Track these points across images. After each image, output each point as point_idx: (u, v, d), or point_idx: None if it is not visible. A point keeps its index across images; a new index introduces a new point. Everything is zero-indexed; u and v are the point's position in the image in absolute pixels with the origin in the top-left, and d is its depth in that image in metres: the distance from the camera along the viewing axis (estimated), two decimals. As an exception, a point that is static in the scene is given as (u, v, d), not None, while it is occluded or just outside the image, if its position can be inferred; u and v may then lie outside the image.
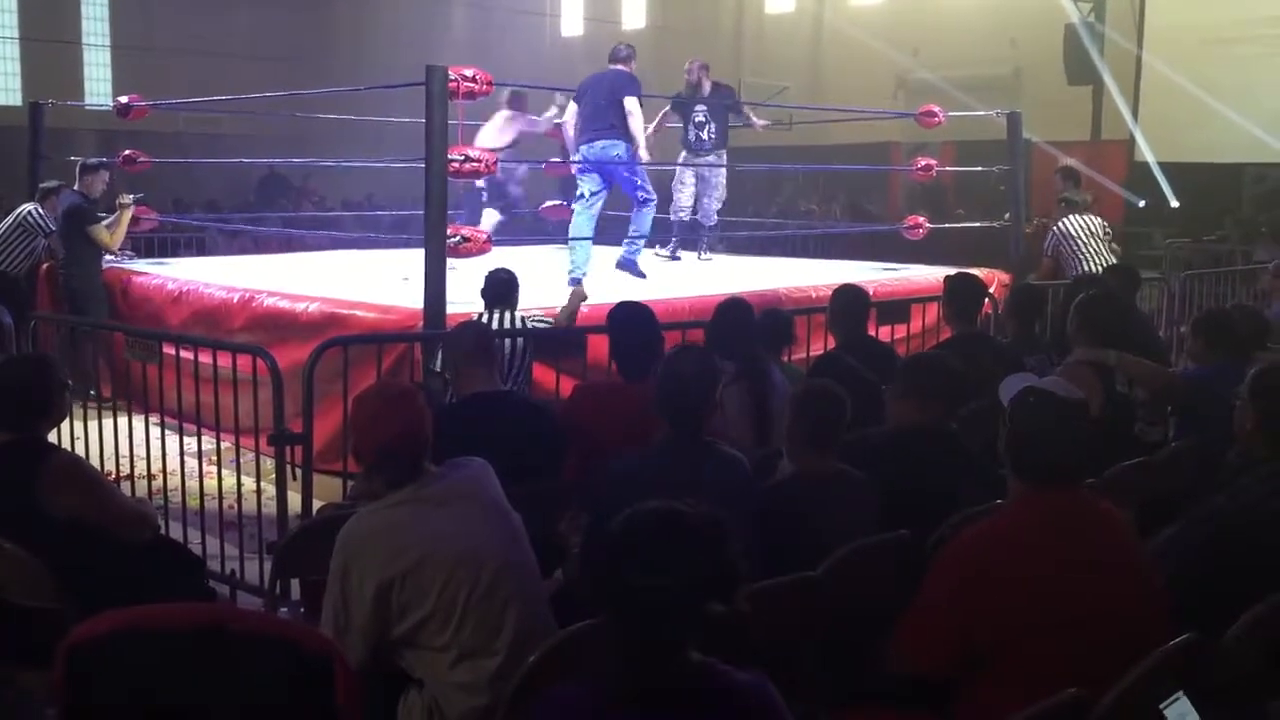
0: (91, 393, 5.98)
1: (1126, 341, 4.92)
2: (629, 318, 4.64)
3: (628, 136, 7.99)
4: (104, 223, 8.54)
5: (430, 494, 2.90)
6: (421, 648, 2.86)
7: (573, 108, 8.58)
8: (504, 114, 9.59)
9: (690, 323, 5.97)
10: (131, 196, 8.78)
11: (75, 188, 8.53)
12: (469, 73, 6.29)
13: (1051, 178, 11.91)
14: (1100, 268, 8.48)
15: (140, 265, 9.24)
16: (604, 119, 7.99)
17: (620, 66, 8.27)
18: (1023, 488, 2.82)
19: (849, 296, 5.56)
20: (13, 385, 3.52)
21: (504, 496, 3.04)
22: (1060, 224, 8.72)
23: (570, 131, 8.77)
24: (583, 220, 8.12)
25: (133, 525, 3.58)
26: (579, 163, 8.28)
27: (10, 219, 8.83)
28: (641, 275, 8.41)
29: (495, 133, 9.44)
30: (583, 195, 8.18)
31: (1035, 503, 2.78)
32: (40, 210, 8.79)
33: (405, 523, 2.85)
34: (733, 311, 5.01)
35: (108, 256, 8.78)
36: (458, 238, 6.39)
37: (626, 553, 2.01)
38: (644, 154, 8.15)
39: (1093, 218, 8.72)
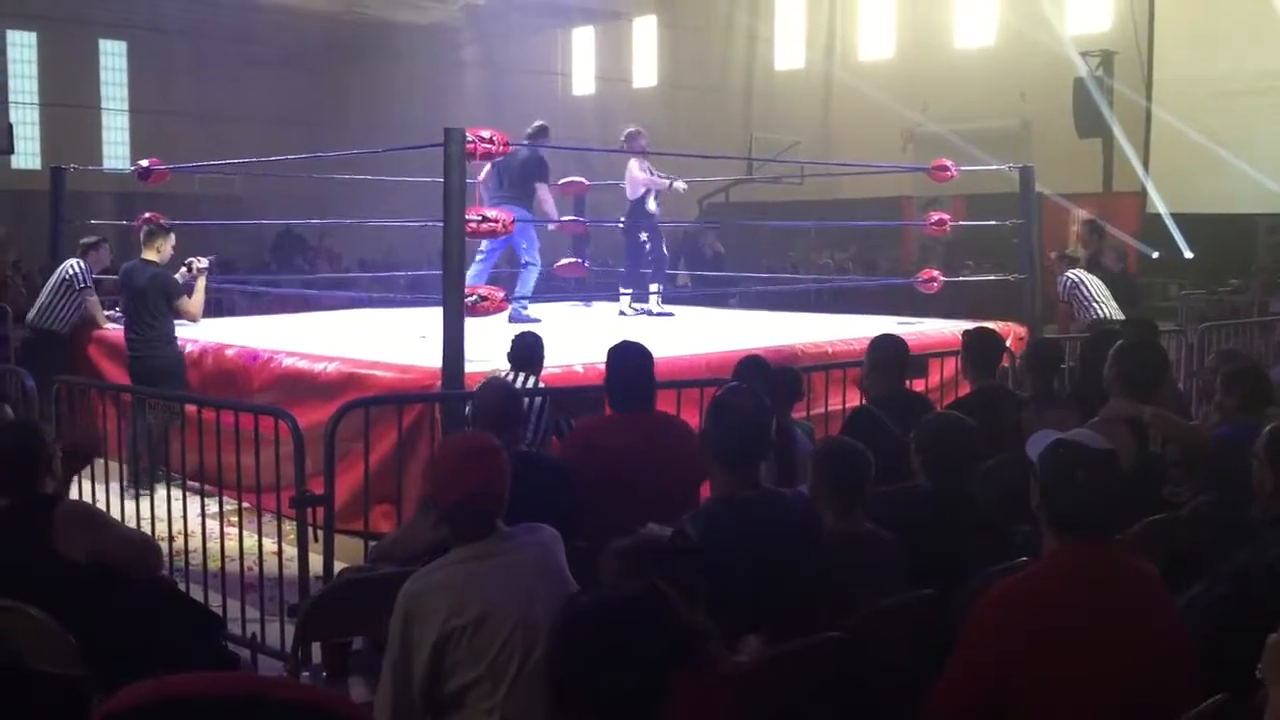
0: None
1: (1161, 392, 4.89)
2: (628, 352, 4.70)
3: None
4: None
5: (499, 554, 2.90)
6: (468, 708, 2.84)
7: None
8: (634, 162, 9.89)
9: (708, 380, 5.97)
10: (207, 259, 8.17)
11: (144, 256, 7.74)
12: (486, 134, 6.36)
13: (1064, 229, 12.02)
14: (1110, 315, 8.64)
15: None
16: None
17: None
18: (1056, 541, 2.82)
19: (888, 346, 5.44)
20: (8, 449, 3.54)
21: (567, 569, 3.02)
22: (1072, 273, 9.13)
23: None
24: None
25: (143, 557, 3.61)
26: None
27: (55, 276, 8.71)
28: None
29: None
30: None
31: (1068, 557, 2.77)
32: (82, 264, 8.61)
33: (471, 579, 2.85)
34: (751, 368, 5.03)
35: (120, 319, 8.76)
36: (474, 297, 6.44)
37: (575, 657, 1.99)
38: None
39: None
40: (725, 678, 2.68)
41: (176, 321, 7.82)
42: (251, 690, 1.64)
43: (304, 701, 1.64)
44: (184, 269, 8.03)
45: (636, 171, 9.87)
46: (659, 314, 10.08)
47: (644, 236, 9.93)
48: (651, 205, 9.93)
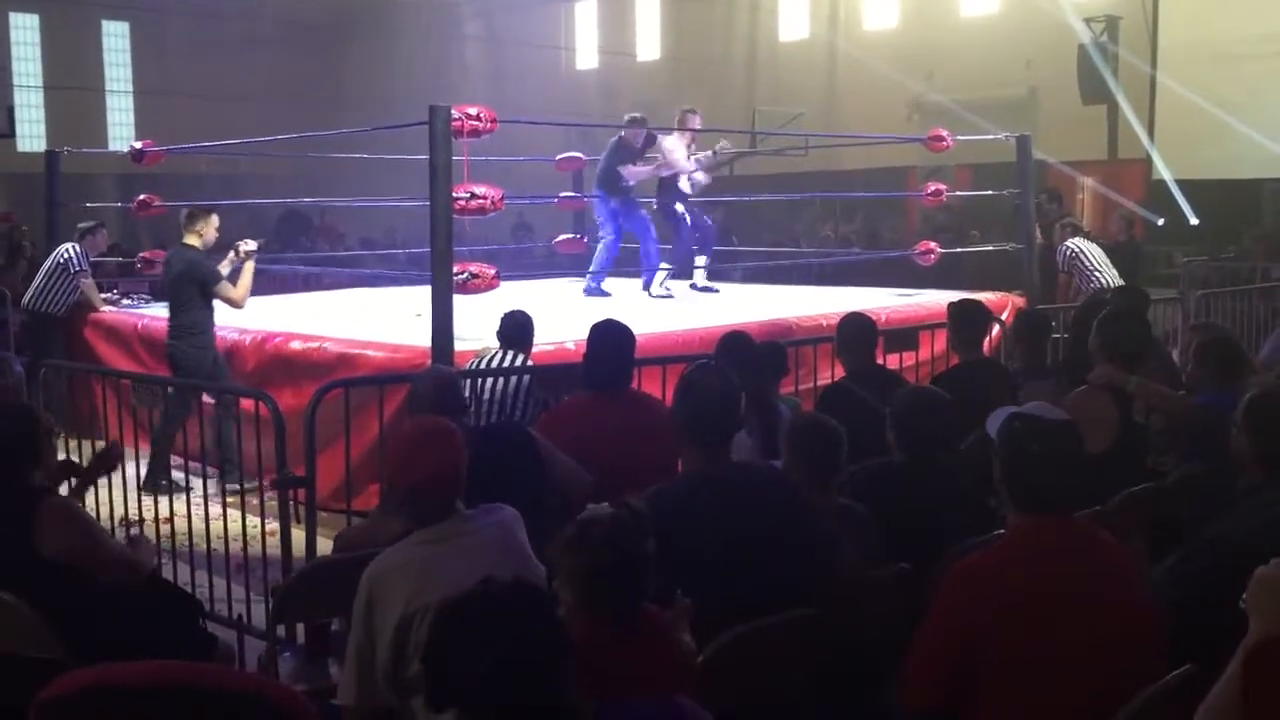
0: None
1: (1146, 362, 4.86)
2: (612, 331, 4.69)
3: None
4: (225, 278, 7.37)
5: (457, 536, 2.91)
6: None
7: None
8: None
9: (699, 355, 5.94)
10: (255, 242, 7.67)
11: (185, 241, 7.27)
12: (473, 111, 6.31)
13: (1070, 198, 11.96)
14: (1110, 283, 8.62)
15: (159, 310, 9.18)
16: None
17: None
18: (1018, 517, 2.81)
19: (855, 324, 5.53)
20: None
21: (529, 548, 3.02)
22: (1071, 243, 9.20)
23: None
24: None
25: (122, 571, 3.58)
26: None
27: (50, 259, 8.75)
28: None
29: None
30: None
31: (1030, 532, 2.76)
32: (78, 248, 8.62)
33: (430, 561, 2.86)
34: (731, 345, 5.00)
35: (125, 300, 8.75)
36: (465, 274, 6.41)
37: (448, 654, 1.90)
38: None
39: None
40: (684, 652, 2.68)
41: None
42: (180, 679, 1.66)
43: (232, 689, 1.66)
44: (231, 253, 7.60)
45: (677, 154, 9.45)
46: (703, 289, 9.90)
47: (680, 209, 9.63)
48: (685, 184, 9.67)
